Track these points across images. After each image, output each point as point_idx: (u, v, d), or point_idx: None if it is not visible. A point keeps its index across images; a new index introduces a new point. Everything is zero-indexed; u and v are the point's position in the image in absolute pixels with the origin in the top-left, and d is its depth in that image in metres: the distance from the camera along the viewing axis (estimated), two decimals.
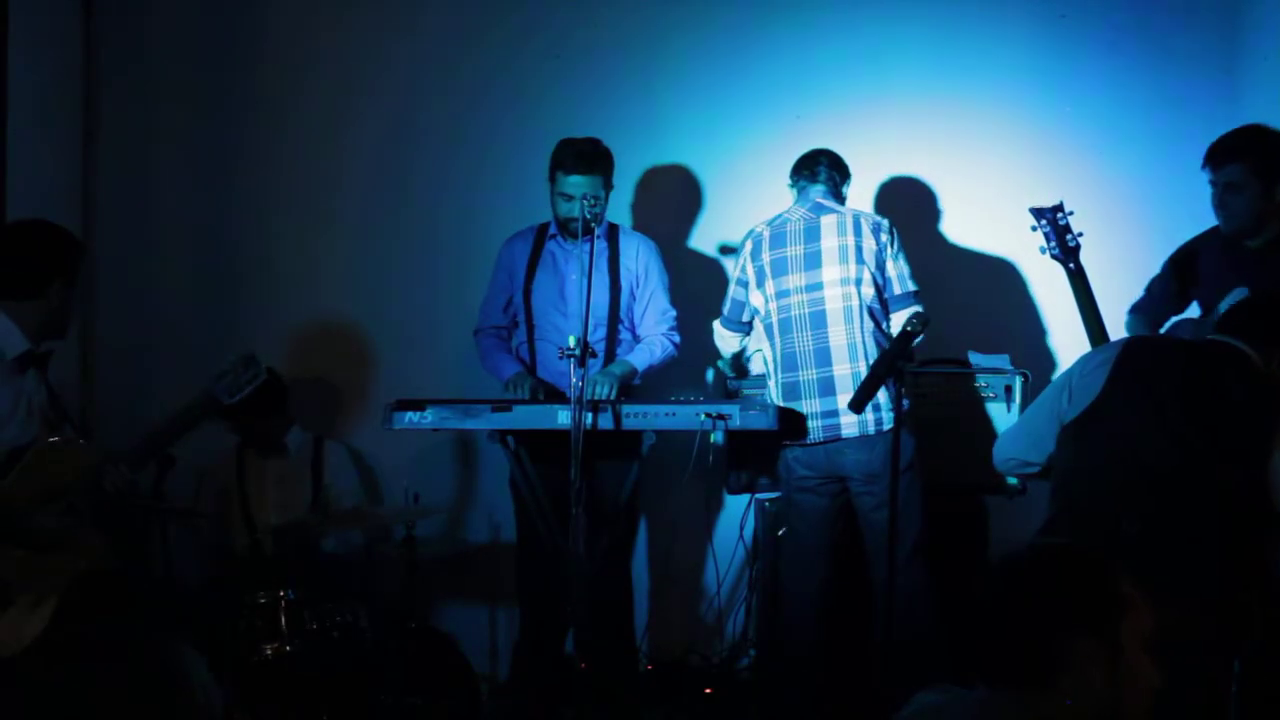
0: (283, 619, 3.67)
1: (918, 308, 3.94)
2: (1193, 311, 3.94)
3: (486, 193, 4.93)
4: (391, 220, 5.00)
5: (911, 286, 4.01)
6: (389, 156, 5.00)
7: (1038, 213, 3.79)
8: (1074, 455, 3.05)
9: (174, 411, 3.50)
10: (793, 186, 4.20)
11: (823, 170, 4.13)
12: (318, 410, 4.89)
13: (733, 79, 4.90)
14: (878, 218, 4.07)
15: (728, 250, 4.90)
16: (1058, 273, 4.50)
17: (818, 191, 4.11)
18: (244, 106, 5.02)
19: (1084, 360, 3.14)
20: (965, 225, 4.86)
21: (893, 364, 3.28)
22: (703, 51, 4.91)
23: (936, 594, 3.89)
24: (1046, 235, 3.76)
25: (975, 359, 4.34)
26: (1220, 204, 3.69)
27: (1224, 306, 3.60)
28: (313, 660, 3.65)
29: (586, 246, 3.94)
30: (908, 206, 4.76)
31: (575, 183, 4.12)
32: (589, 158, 4.14)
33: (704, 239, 4.96)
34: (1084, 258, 4.13)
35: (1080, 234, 3.74)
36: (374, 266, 5.00)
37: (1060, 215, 3.76)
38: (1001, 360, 4.31)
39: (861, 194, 4.57)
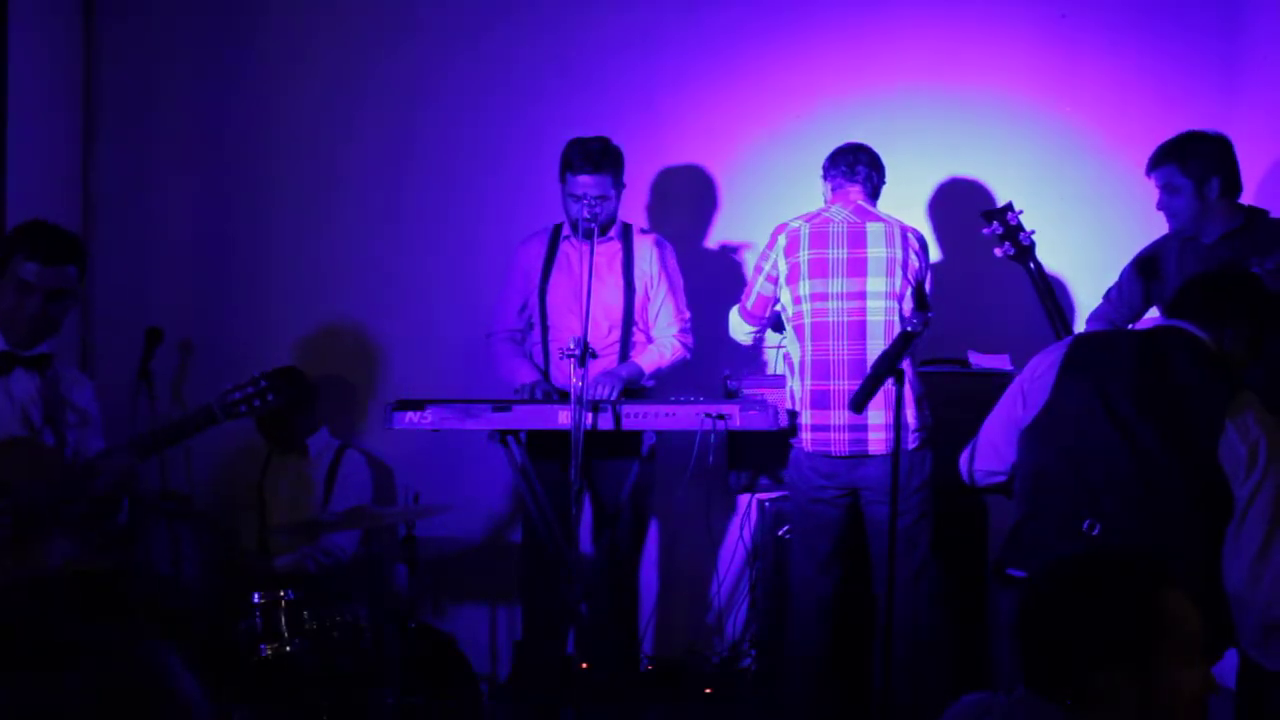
0: (283, 619, 3.67)
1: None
2: (1153, 314, 3.97)
3: (488, 193, 4.93)
4: (393, 220, 5.00)
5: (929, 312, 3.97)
6: (390, 157, 5.00)
7: (988, 216, 3.81)
8: (1033, 458, 3.02)
9: (176, 418, 3.51)
10: (826, 180, 4.07)
11: (862, 169, 4.00)
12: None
13: (733, 79, 4.90)
14: (919, 232, 4.00)
15: (728, 249, 4.90)
16: (1055, 270, 4.51)
17: (857, 192, 3.99)
18: (245, 106, 5.02)
19: (1034, 363, 3.12)
20: (965, 225, 4.86)
21: (893, 364, 3.27)
22: (703, 51, 4.91)
23: (945, 603, 3.91)
24: (1000, 237, 3.77)
25: (975, 359, 4.34)
26: (1162, 206, 3.80)
27: None
28: (313, 660, 3.64)
29: (598, 246, 3.95)
30: (907, 206, 4.76)
31: (584, 182, 4.09)
32: (596, 156, 4.10)
33: (702, 239, 4.96)
34: (1084, 258, 4.14)
35: (1033, 232, 3.75)
36: (375, 266, 5.00)
37: (1011, 215, 3.78)
38: (1001, 360, 4.31)
39: None
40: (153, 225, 5.03)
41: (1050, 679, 1.84)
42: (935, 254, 4.73)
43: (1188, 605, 1.84)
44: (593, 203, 4.01)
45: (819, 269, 3.91)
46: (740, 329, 4.18)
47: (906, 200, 4.76)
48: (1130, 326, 3.95)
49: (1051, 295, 3.71)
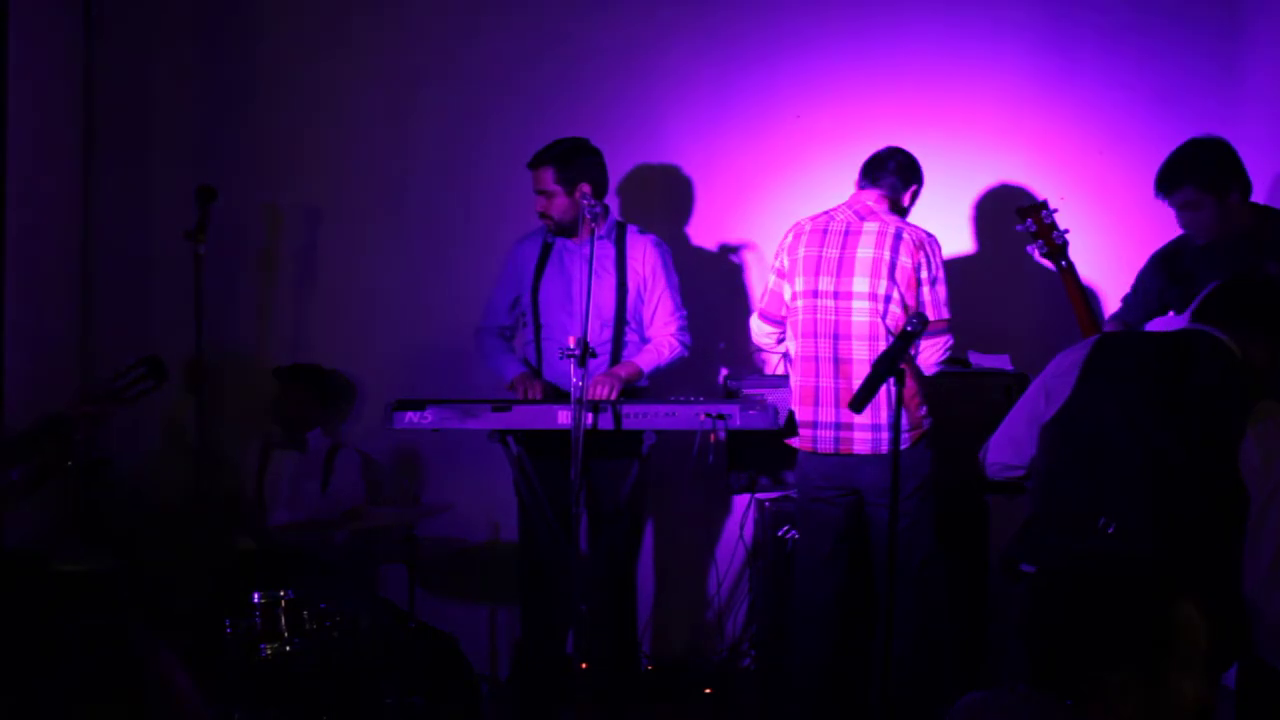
0: (283, 619, 3.67)
1: (948, 337, 3.90)
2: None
3: (484, 193, 4.93)
4: (392, 219, 5.00)
5: (945, 314, 3.89)
6: (386, 156, 5.00)
7: (1023, 213, 3.81)
8: (1050, 456, 3.02)
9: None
10: (858, 185, 4.06)
11: (885, 176, 3.99)
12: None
13: (733, 78, 4.90)
14: (925, 235, 3.93)
15: (728, 249, 4.91)
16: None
17: (870, 194, 3.98)
18: (245, 106, 5.02)
19: (1058, 361, 3.11)
20: (966, 225, 4.86)
21: (893, 364, 3.26)
22: (702, 50, 4.91)
23: (946, 604, 3.90)
24: (1034, 235, 3.77)
25: (975, 359, 4.34)
26: (1186, 224, 3.75)
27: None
28: (313, 660, 3.64)
29: (585, 245, 3.97)
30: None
31: (533, 178, 4.17)
32: (538, 152, 4.19)
33: (704, 238, 4.96)
34: (1083, 258, 4.14)
35: (1067, 230, 3.75)
36: (373, 266, 5.00)
37: (1045, 213, 3.78)
38: (1001, 360, 4.31)
39: None
40: (153, 227, 5.03)
41: (1054, 678, 1.84)
42: None
43: (1197, 613, 1.84)
44: (539, 199, 4.12)
45: (812, 266, 3.92)
46: (760, 330, 4.15)
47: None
48: (1146, 327, 3.93)
49: (1084, 295, 3.72)
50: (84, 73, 4.99)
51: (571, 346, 3.68)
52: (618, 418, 3.89)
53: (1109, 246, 4.55)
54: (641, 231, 4.38)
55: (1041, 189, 4.69)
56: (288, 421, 4.63)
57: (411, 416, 3.94)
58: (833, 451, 3.88)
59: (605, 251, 4.24)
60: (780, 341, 4.13)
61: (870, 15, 4.87)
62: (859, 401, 3.31)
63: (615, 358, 4.25)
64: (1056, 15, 4.81)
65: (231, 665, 3.56)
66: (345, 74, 5.01)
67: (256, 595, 3.66)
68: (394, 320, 4.98)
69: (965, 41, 4.83)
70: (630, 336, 4.29)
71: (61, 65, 4.92)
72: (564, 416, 3.82)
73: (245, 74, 5.02)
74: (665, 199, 4.93)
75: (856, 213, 3.96)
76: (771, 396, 4.10)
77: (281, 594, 3.69)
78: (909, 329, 3.31)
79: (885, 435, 3.79)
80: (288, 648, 3.65)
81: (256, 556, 4.41)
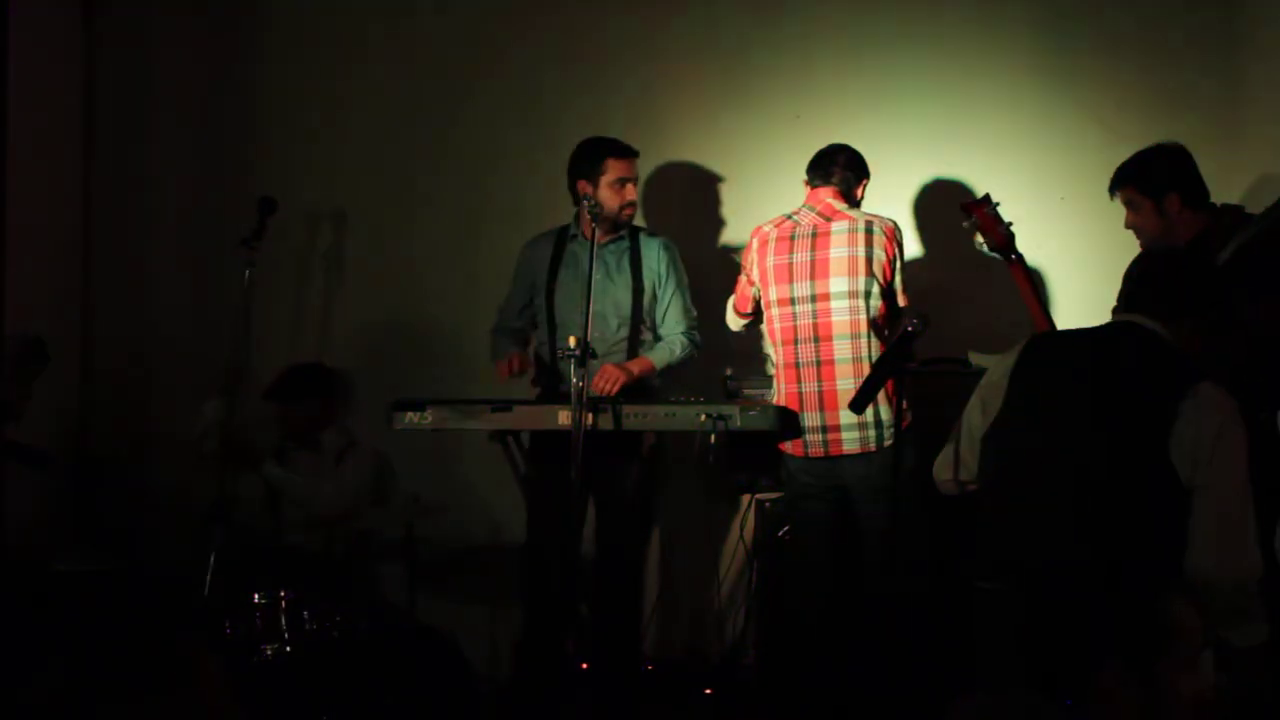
0: (282, 619, 3.67)
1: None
2: None
3: (485, 191, 4.93)
4: (392, 219, 5.00)
5: (904, 301, 3.96)
6: (387, 156, 5.00)
7: (967, 208, 3.82)
8: (990, 467, 2.95)
9: None
10: (806, 184, 4.11)
11: (836, 171, 4.03)
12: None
13: (733, 78, 4.90)
14: (893, 224, 3.97)
15: (729, 250, 4.91)
16: (1056, 271, 4.51)
17: (828, 192, 4.02)
18: (245, 105, 5.02)
19: (991, 369, 3.06)
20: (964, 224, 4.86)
21: (894, 365, 3.25)
22: (702, 50, 4.91)
23: (936, 602, 3.90)
24: (981, 230, 3.79)
25: (975, 359, 4.34)
26: (1129, 224, 3.78)
27: None
28: (313, 660, 3.65)
29: (607, 245, 4.06)
30: (907, 206, 4.77)
31: (630, 165, 4.18)
32: (621, 144, 4.19)
33: (702, 238, 4.96)
34: (1085, 259, 4.14)
35: (1011, 223, 3.76)
36: (373, 267, 5.00)
37: (988, 207, 3.79)
38: None
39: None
40: (153, 226, 5.03)
41: (1052, 679, 1.85)
42: (936, 255, 4.75)
43: (1191, 610, 1.84)
44: (629, 187, 4.17)
45: (783, 274, 3.96)
46: (733, 320, 4.31)
47: (905, 200, 4.78)
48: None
49: (1033, 289, 3.73)
50: (84, 73, 5.00)
51: (572, 347, 3.68)
52: (618, 418, 3.89)
53: (1109, 247, 4.53)
54: (650, 233, 4.39)
55: (1042, 188, 4.70)
56: (297, 436, 4.62)
57: (411, 417, 3.93)
58: (823, 455, 3.89)
59: (620, 251, 4.27)
60: (748, 329, 4.29)
61: (870, 14, 4.87)
62: (860, 402, 3.30)
63: (630, 355, 4.25)
64: (1056, 15, 4.81)
65: (231, 665, 3.56)
66: (348, 76, 5.01)
67: (256, 595, 3.67)
68: (397, 321, 4.98)
69: (965, 41, 4.83)
70: (645, 335, 4.31)
71: (61, 65, 4.92)
72: (564, 417, 3.83)
73: (247, 73, 5.02)
74: (664, 198, 4.93)
75: (820, 213, 3.98)
76: (771, 396, 4.11)
77: (281, 594, 3.70)
78: (910, 330, 3.29)
79: (871, 433, 3.82)
80: (288, 648, 3.65)
81: (258, 557, 4.40)
